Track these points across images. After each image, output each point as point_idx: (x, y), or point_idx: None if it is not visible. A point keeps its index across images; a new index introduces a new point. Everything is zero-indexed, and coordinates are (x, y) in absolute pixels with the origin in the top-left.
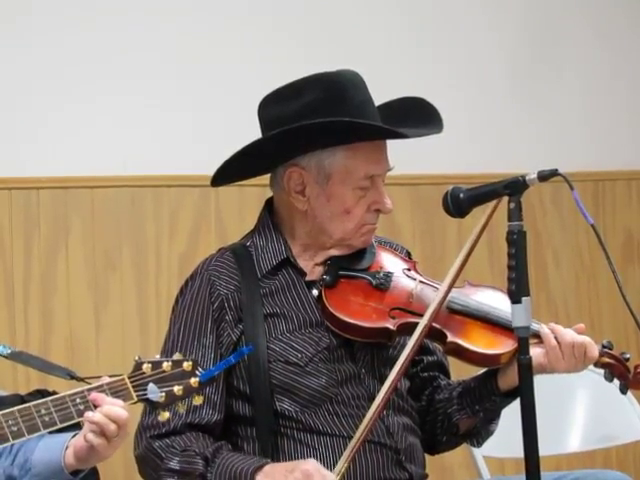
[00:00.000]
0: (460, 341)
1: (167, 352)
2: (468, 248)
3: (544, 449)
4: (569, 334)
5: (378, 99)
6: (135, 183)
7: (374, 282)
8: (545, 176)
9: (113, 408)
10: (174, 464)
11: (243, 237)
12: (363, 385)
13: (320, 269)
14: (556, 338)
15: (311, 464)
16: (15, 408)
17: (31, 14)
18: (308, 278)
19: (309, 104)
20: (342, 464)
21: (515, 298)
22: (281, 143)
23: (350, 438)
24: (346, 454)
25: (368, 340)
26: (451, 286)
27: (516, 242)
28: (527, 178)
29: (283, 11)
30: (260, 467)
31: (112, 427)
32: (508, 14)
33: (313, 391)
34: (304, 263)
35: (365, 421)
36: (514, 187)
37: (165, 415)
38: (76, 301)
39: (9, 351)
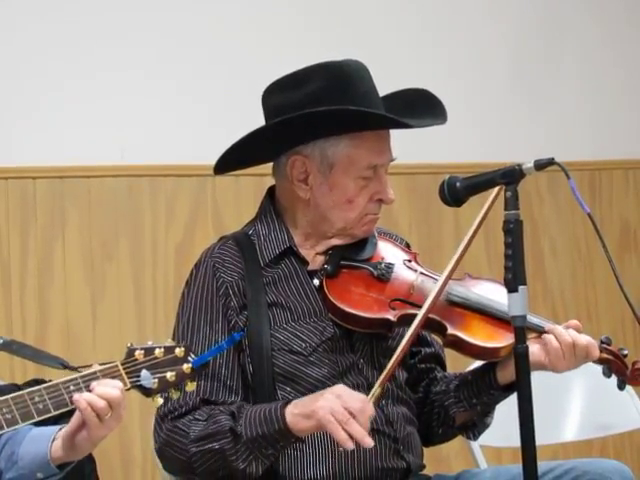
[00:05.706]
0: (460, 333)
1: (178, 341)
2: (468, 239)
3: (541, 438)
4: (570, 336)
5: (379, 87)
6: (132, 172)
7: (375, 273)
8: (542, 165)
9: (105, 388)
10: (200, 430)
11: (245, 225)
12: (362, 375)
13: (321, 258)
14: (557, 339)
15: (340, 386)
16: (9, 396)
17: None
18: (310, 267)
19: (313, 93)
20: (376, 388)
21: (512, 287)
22: (285, 130)
23: None
24: (381, 378)
25: (368, 331)
26: (450, 276)
27: (513, 231)
28: (524, 167)
29: (284, 6)
30: (288, 402)
31: (101, 403)
32: (509, 4)
33: (315, 381)
34: (305, 252)
35: (402, 343)
36: (511, 176)
37: (159, 401)
38: (73, 291)
39: (0, 341)
